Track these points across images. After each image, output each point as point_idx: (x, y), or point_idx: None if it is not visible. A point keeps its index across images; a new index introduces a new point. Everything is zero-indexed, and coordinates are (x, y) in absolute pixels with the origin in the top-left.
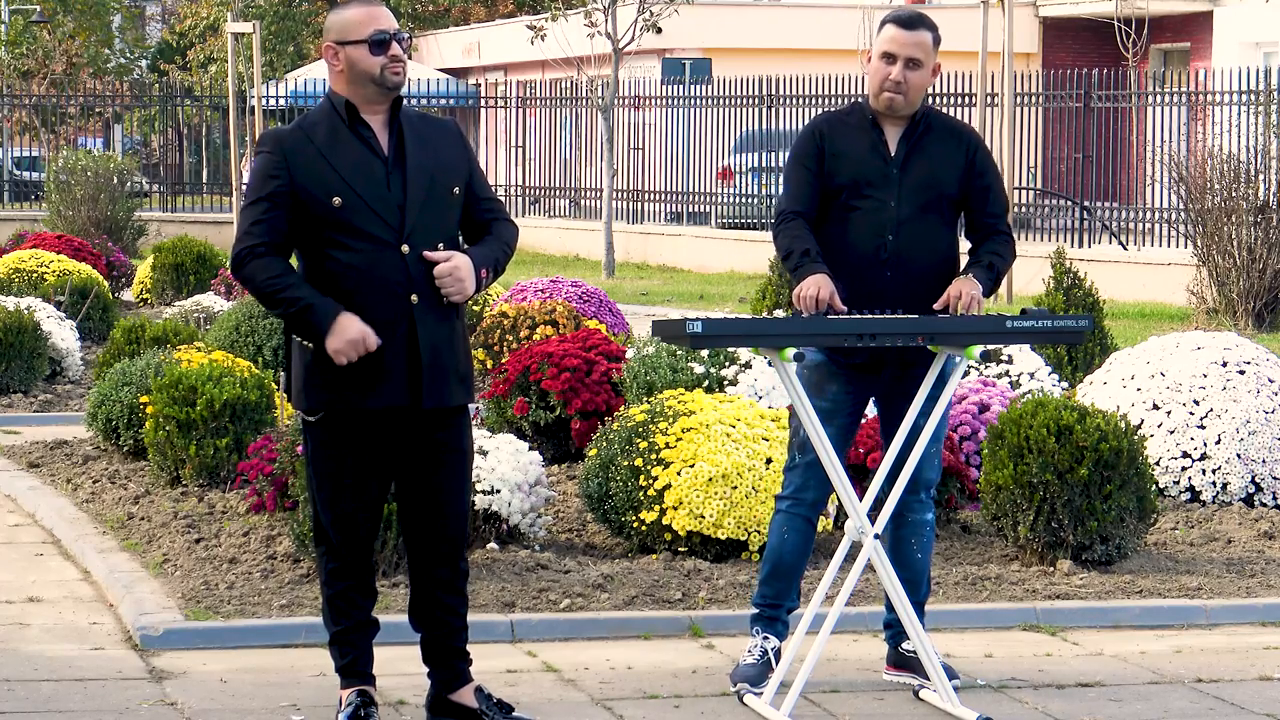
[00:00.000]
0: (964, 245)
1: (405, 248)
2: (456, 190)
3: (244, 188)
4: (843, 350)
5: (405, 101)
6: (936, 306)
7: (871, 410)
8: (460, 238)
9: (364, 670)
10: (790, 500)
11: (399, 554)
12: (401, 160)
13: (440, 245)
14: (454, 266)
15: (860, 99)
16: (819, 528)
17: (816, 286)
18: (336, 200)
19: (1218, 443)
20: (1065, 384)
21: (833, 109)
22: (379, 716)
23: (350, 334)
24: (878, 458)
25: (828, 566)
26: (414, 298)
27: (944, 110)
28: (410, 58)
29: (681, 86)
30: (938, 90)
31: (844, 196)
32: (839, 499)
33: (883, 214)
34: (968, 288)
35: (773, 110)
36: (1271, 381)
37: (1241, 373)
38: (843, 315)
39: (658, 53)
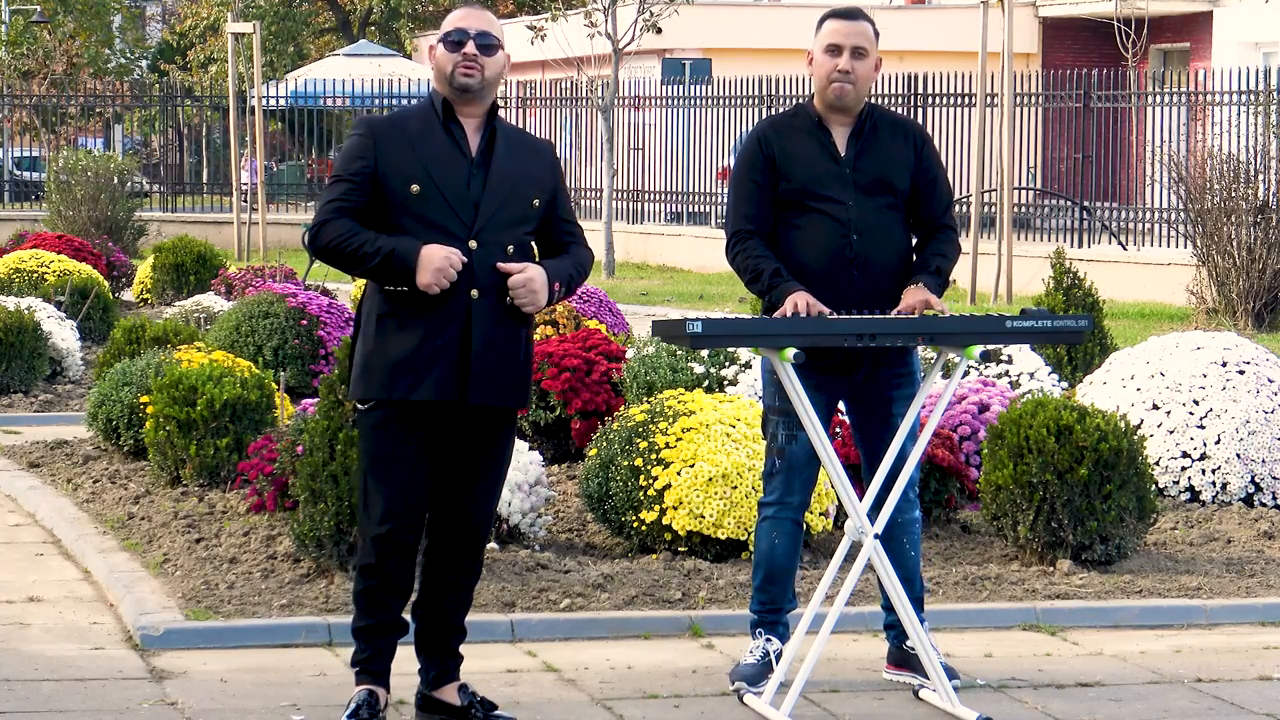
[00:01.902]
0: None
1: (473, 244)
2: (536, 202)
3: (245, 187)
4: (816, 352)
5: (499, 113)
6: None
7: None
8: (534, 250)
9: (377, 669)
10: (776, 505)
11: None
12: (487, 161)
13: (510, 248)
14: (528, 278)
15: (802, 101)
16: (818, 528)
17: (805, 302)
18: (414, 187)
19: (1217, 443)
20: (1065, 384)
21: (775, 113)
22: (385, 718)
23: (435, 263)
24: (852, 456)
25: (828, 566)
26: (474, 293)
27: (943, 110)
28: (482, 61)
29: (681, 86)
30: (938, 90)
31: (800, 200)
32: (839, 499)
33: (843, 215)
34: (928, 299)
35: (773, 110)
36: (1271, 381)
37: (1241, 373)
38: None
39: (658, 53)
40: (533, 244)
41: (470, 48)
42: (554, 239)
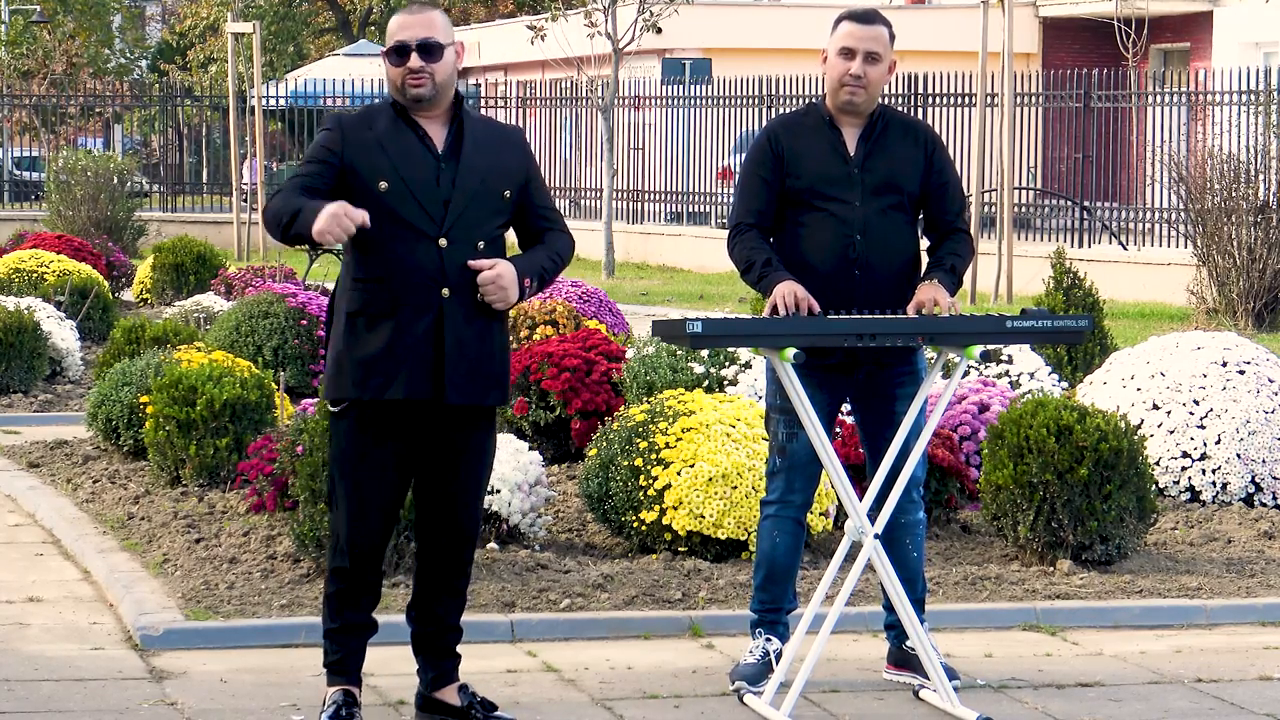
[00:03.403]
0: (923, 243)
1: (443, 241)
2: (507, 194)
3: (245, 187)
4: (816, 351)
5: (466, 104)
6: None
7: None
8: (502, 242)
9: (351, 670)
10: (778, 504)
11: (398, 554)
12: (455, 157)
13: (480, 244)
14: (497, 275)
15: (815, 100)
16: (818, 528)
17: (792, 291)
18: (383, 184)
19: (1218, 443)
20: (1065, 384)
21: (787, 111)
22: (361, 717)
23: (330, 210)
24: (853, 456)
25: (828, 566)
26: (445, 291)
27: (943, 110)
28: (430, 69)
29: (681, 86)
30: (938, 90)
31: (806, 199)
32: (839, 499)
33: (848, 215)
34: (939, 295)
35: (773, 110)
36: (1271, 381)
37: (1241, 373)
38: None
39: (658, 53)
40: (504, 237)
41: (414, 60)
42: (530, 226)
